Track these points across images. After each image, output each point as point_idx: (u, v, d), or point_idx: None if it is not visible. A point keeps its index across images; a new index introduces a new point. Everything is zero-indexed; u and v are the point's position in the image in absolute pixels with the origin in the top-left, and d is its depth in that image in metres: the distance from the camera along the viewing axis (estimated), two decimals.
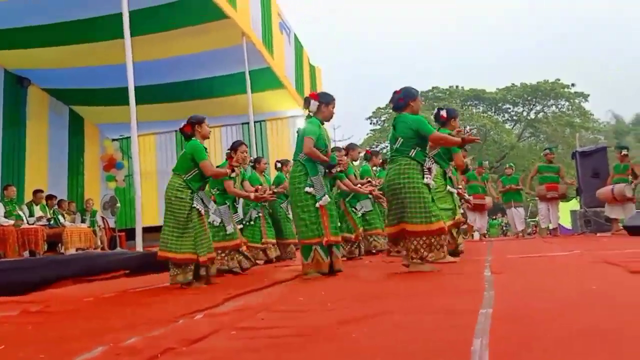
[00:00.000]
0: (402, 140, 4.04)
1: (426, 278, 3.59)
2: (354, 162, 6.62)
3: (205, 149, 4.38)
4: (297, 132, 4.55)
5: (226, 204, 5.44)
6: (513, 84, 38.82)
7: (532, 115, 38.82)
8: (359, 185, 6.10)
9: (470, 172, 10.61)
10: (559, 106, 38.06)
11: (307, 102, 4.44)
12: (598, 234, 9.25)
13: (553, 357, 1.43)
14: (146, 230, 11.44)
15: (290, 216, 6.45)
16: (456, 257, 4.95)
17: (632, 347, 1.47)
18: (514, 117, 39.80)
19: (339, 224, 4.55)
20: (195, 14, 8.41)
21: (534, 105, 38.66)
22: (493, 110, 39.77)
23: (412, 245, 3.92)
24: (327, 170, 4.37)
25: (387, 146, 36.60)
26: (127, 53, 6.65)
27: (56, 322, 2.74)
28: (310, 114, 4.41)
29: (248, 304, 2.86)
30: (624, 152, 9.17)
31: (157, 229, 12.98)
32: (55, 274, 5.02)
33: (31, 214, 8.63)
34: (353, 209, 6.43)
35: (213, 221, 5.09)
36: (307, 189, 4.22)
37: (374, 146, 37.53)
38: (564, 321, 1.87)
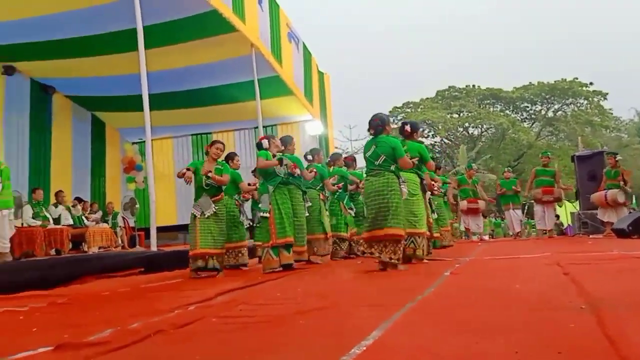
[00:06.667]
0: (384, 157, 4.78)
1: (386, 277, 4.17)
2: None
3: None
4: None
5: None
6: (530, 82, 38.92)
7: (550, 114, 38.84)
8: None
9: (461, 176, 11.08)
10: (578, 105, 38.03)
11: (259, 145, 5.61)
12: (591, 236, 9.65)
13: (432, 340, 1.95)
14: (163, 229, 12.20)
15: None
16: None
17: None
18: (532, 116, 39.86)
19: (290, 228, 5.48)
20: (205, 28, 9.00)
21: (551, 103, 38.68)
22: (511, 109, 39.87)
23: (392, 247, 4.50)
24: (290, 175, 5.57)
25: None
26: (142, 65, 7.23)
27: (77, 311, 3.35)
28: (264, 149, 5.56)
29: (234, 297, 3.43)
30: (616, 157, 9.55)
31: (173, 229, 13.64)
32: (78, 270, 5.67)
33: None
34: (349, 209, 6.95)
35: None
36: (260, 204, 5.41)
37: None
38: (464, 314, 2.40)
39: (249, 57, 9.66)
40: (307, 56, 12.49)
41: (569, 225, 15.02)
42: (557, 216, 16.24)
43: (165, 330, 2.38)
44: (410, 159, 4.96)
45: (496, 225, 19.88)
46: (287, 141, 6.01)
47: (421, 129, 5.48)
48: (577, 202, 11.40)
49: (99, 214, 11.15)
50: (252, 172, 7.36)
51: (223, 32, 9.06)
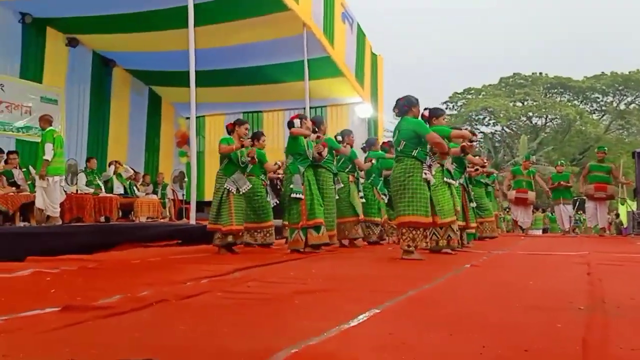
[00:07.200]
0: (404, 142, 4.63)
1: (403, 265, 4.13)
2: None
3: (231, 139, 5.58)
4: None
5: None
6: (603, 72, 36.95)
7: (623, 106, 36.80)
8: None
9: (516, 167, 10.70)
10: None
11: (291, 124, 5.50)
12: None
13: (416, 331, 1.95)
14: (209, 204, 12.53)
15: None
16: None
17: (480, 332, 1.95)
18: (603, 108, 37.85)
19: (320, 209, 5.42)
20: (257, 7, 9.06)
21: (624, 95, 36.63)
22: (579, 100, 38.03)
23: (409, 234, 4.44)
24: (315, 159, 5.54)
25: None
26: (190, 42, 7.42)
27: (101, 276, 3.53)
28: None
29: (248, 274, 3.51)
30: None
31: None
32: (119, 238, 5.95)
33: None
34: (382, 194, 6.89)
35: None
36: (292, 185, 5.29)
37: None
38: (456, 306, 2.36)
39: (299, 36, 9.63)
40: (360, 37, 12.33)
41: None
42: (617, 214, 15.49)
43: (168, 300, 2.48)
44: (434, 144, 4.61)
45: (552, 220, 19.13)
46: (319, 121, 6.01)
47: (444, 116, 5.22)
48: (635, 200, 10.82)
49: (150, 188, 11.56)
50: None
51: (275, 11, 9.07)
